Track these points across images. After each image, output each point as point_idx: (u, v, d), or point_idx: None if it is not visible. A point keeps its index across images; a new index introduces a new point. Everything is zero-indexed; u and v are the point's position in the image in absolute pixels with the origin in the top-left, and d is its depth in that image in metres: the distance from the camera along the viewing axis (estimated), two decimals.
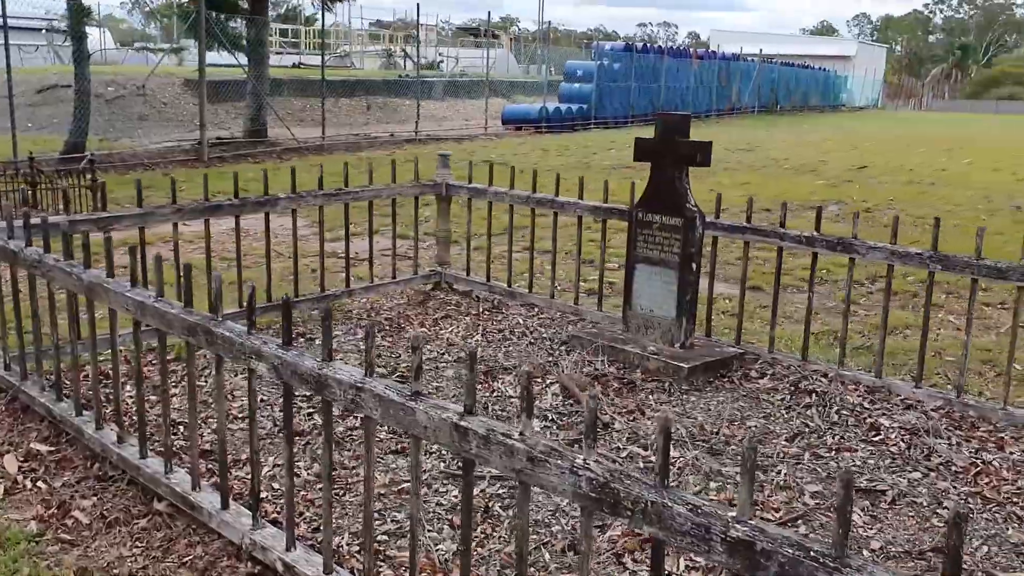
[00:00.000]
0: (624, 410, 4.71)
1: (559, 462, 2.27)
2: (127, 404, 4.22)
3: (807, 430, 4.47)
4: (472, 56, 39.95)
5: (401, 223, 7.02)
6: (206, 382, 4.94)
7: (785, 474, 4.00)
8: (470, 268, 7.10)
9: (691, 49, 34.66)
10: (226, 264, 7.41)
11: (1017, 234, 10.42)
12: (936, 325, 6.75)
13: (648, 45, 35.27)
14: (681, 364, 5.10)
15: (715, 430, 4.44)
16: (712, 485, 3.88)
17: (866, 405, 4.80)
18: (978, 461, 4.15)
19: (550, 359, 5.44)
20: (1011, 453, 4.27)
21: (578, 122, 27.53)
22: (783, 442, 4.34)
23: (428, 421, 2.61)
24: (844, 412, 4.70)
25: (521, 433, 2.41)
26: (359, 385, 2.78)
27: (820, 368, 5.27)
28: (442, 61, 41.73)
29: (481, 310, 6.54)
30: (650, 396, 4.93)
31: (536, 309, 6.55)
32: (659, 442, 2.15)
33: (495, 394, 4.90)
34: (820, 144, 24.16)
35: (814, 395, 4.91)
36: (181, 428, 4.32)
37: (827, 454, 4.22)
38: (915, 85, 79.59)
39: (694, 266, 5.32)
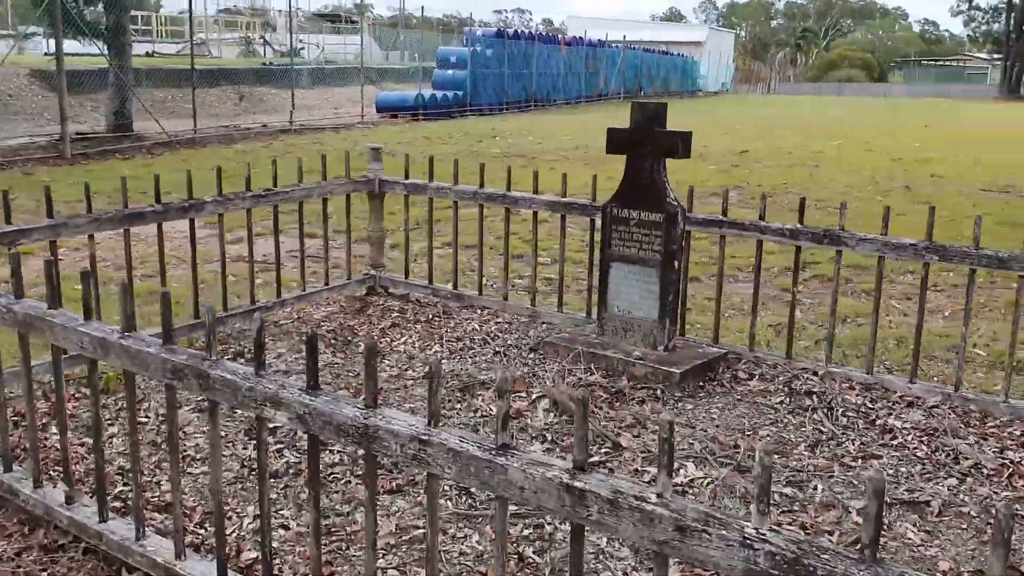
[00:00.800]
0: (623, 424, 4.34)
1: (723, 532, 1.86)
2: (74, 454, 3.56)
3: (823, 437, 4.21)
4: (335, 43, 38.77)
5: (308, 222, 6.43)
6: (148, 418, 4.29)
7: (823, 490, 3.71)
8: (409, 270, 6.58)
9: (560, 35, 34.61)
10: (140, 277, 6.63)
11: (917, 214, 10.65)
12: (882, 312, 6.68)
13: (519, 31, 35.06)
14: (672, 369, 4.77)
15: (731, 442, 4.13)
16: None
17: (869, 405, 4.59)
18: (1007, 462, 3.98)
19: (526, 369, 5.01)
20: None
21: (454, 109, 27.04)
22: (805, 452, 4.06)
23: (526, 481, 2.16)
24: (850, 414, 4.48)
25: (660, 495, 1.99)
26: (423, 438, 2.29)
27: (807, 366, 5.05)
28: (303, 48, 40.36)
29: (430, 316, 6.04)
30: (644, 406, 4.58)
31: (489, 313, 6.10)
32: (871, 508, 1.77)
33: (478, 413, 4.44)
34: (694, 129, 24.45)
35: (813, 396, 4.67)
36: (121, 478, 3.69)
37: (854, 463, 3.96)
38: (763, 69, 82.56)
39: (676, 264, 4.99)
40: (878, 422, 4.38)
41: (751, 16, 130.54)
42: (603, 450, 4.03)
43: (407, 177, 6.41)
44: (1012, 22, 61.77)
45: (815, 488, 3.73)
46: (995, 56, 70.84)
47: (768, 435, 4.22)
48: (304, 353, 4.80)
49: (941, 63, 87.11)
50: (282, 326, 5.80)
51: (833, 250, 4.94)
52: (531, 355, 5.26)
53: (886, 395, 4.73)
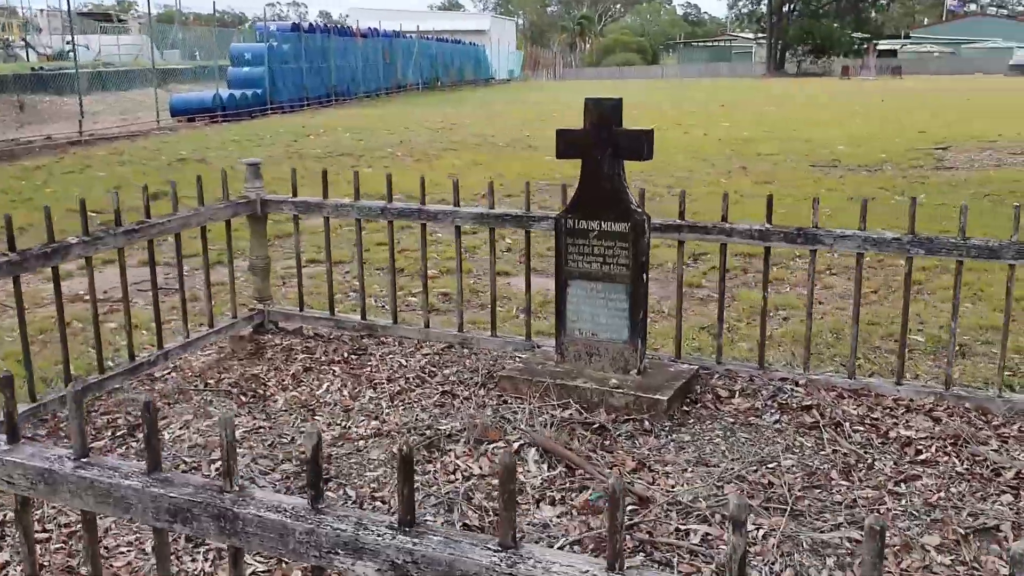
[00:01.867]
0: (627, 469, 3.79)
1: None
2: None
3: (849, 460, 3.82)
4: (110, 44, 35.84)
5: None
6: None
7: (890, 530, 3.31)
8: (303, 301, 5.73)
9: (354, 27, 33.49)
10: None
11: (759, 193, 10.73)
12: (790, 303, 6.48)
13: (314, 24, 33.61)
14: (656, 396, 4.26)
15: (761, 479, 3.66)
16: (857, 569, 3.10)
17: (871, 415, 4.26)
18: None
19: (488, 411, 4.35)
20: None
21: (254, 108, 25.50)
22: (842, 481, 3.65)
23: None
24: (859, 428, 4.13)
25: None
26: None
27: (784, 375, 4.68)
28: (70, 51, 37.03)
29: (344, 354, 5.24)
30: (636, 441, 4.04)
31: (411, 344, 5.38)
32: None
33: (465, 479, 3.75)
34: (510, 117, 24.24)
35: (810, 412, 4.29)
36: None
37: (898, 487, 3.59)
38: (548, 56, 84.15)
39: (645, 278, 4.47)
40: (891, 434, 4.05)
41: (527, 4, 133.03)
42: (630, 508, 3.46)
43: (295, 194, 5.55)
44: (772, 3, 65.83)
45: None
46: (759, 36, 75.40)
47: (793, 465, 3.79)
48: (219, 426, 3.95)
49: (710, 44, 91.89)
50: (173, 383, 4.84)
51: (807, 249, 4.58)
52: (486, 392, 4.60)
53: (878, 401, 4.42)
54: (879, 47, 62.40)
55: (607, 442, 4.05)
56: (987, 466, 3.73)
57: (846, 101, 29.27)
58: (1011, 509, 3.42)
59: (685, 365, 4.69)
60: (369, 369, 5.01)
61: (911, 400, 4.40)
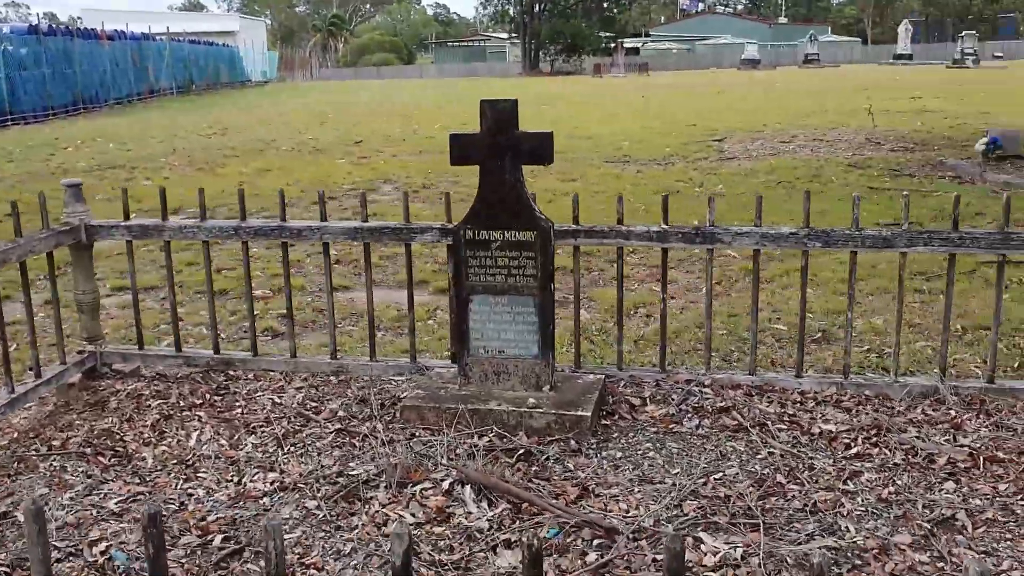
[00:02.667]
0: (571, 498, 3.52)
1: None
2: None
3: (786, 462, 3.75)
4: None
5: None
6: None
7: (861, 532, 3.24)
8: (143, 337, 5.02)
9: (99, 29, 30.97)
10: None
11: (568, 191, 10.81)
12: (645, 300, 6.49)
13: (53, 26, 30.74)
14: (579, 412, 4.02)
15: (714, 493, 3.50)
16: None
17: (787, 412, 4.23)
18: (967, 448, 3.81)
19: (398, 447, 3.93)
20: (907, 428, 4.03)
21: None
22: (792, 486, 3.56)
23: None
24: (781, 427, 4.08)
25: None
26: None
27: (688, 377, 4.57)
28: None
29: (204, 396, 4.61)
30: (567, 464, 3.78)
31: (279, 377, 4.83)
32: None
33: (387, 528, 3.33)
34: (285, 120, 23.25)
35: (729, 414, 4.20)
36: None
37: (847, 485, 3.54)
38: (303, 56, 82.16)
39: (552, 288, 4.21)
40: (814, 430, 4.03)
41: (274, 4, 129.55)
42: (596, 542, 3.19)
43: (128, 217, 4.84)
44: (523, 4, 67.58)
45: (850, 531, 3.23)
46: (513, 36, 77.21)
47: (738, 473, 3.66)
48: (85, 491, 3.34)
49: (465, 44, 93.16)
50: (6, 451, 4.05)
51: (702, 248, 4.49)
52: (386, 426, 4.17)
53: (785, 396, 4.40)
54: (625, 45, 65.62)
55: (536, 468, 3.76)
56: (917, 454, 3.77)
57: (610, 98, 30.41)
58: (958, 497, 3.45)
59: (591, 375, 4.47)
60: (239, 411, 4.43)
61: (816, 392, 4.41)
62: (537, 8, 67.24)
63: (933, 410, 4.20)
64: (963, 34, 49.83)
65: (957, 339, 5.45)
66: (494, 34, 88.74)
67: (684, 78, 46.86)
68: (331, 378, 4.79)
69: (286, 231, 4.69)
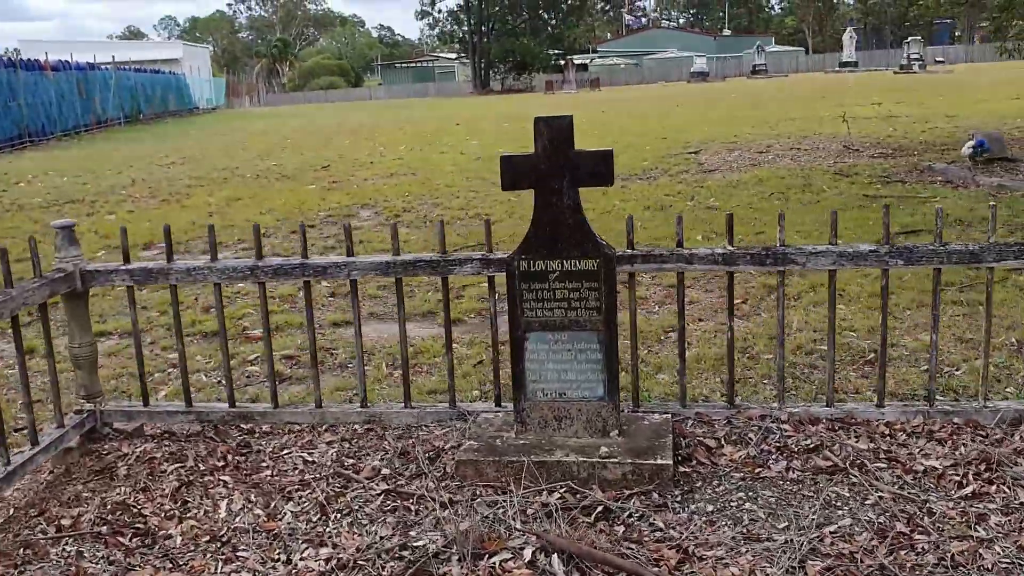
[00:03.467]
0: (671, 563, 3.10)
1: None
2: None
3: (904, 507, 3.36)
4: None
5: None
6: None
7: None
8: (148, 392, 4.51)
9: (43, 60, 30.03)
10: None
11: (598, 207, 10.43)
12: (671, 323, 6.11)
13: None
14: (658, 460, 3.61)
15: (837, 549, 3.10)
16: None
17: (880, 447, 3.85)
18: None
19: (461, 509, 3.49)
20: None
21: None
22: (918, 536, 3.17)
23: None
24: (880, 466, 3.70)
25: None
26: None
27: (759, 412, 4.18)
28: None
29: (226, 457, 4.12)
30: (654, 521, 3.36)
31: (305, 431, 4.35)
32: None
33: None
34: (244, 147, 22.61)
35: (817, 454, 3.81)
36: None
37: (977, 531, 3.17)
38: (251, 82, 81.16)
39: (616, 322, 3.80)
40: (916, 468, 3.66)
41: (216, 30, 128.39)
42: None
43: (128, 260, 4.34)
44: (473, 24, 67.49)
45: None
46: (461, 55, 77.05)
47: (852, 524, 3.27)
48: None
49: (413, 64, 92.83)
50: (8, 535, 3.52)
51: (773, 270, 4.11)
52: (438, 484, 3.72)
53: (871, 428, 4.03)
54: (575, 62, 65.73)
55: (622, 528, 3.34)
56: None
57: (573, 113, 30.15)
58: None
59: (655, 415, 4.06)
60: (268, 472, 3.95)
61: (902, 423, 4.05)
62: (485, 28, 67.19)
63: None
64: (908, 40, 50.64)
65: (1016, 353, 5.14)
66: (442, 54, 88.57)
67: (636, 92, 46.93)
68: (362, 428, 4.32)
69: (309, 269, 4.22)
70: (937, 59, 59.32)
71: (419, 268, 4.18)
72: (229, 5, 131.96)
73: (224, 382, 5.30)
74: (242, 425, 4.43)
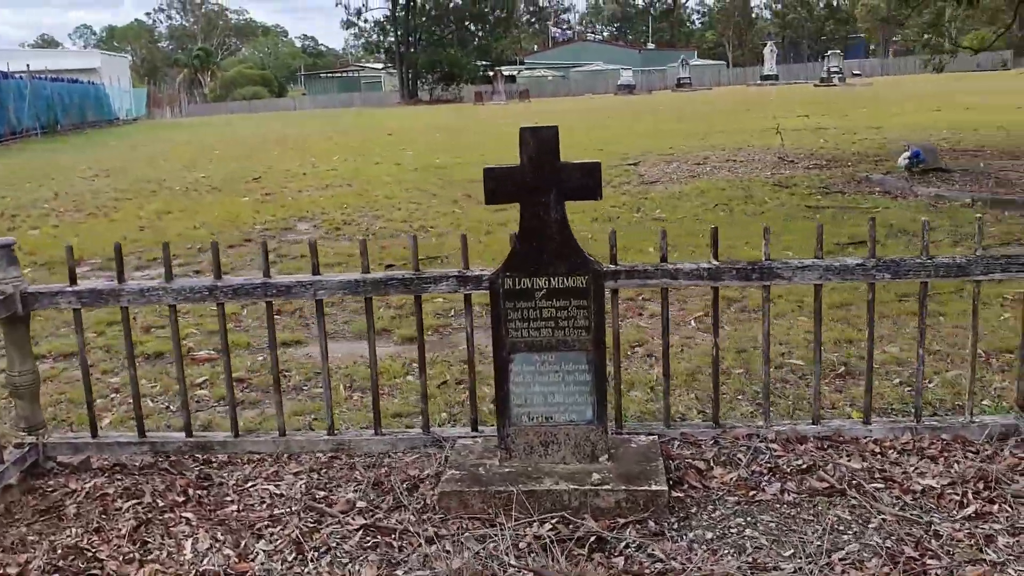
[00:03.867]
0: None
1: None
2: None
3: (909, 530, 3.26)
4: None
5: None
6: None
7: None
8: (96, 421, 4.19)
9: None
10: None
11: (505, 221, 10.25)
12: (637, 338, 5.99)
13: None
14: (652, 486, 3.45)
15: None
16: None
17: (874, 466, 3.76)
18: None
19: (448, 543, 3.27)
20: None
21: None
22: (930, 562, 3.07)
23: None
24: (877, 486, 3.60)
25: None
26: None
27: (746, 431, 4.07)
28: None
29: (186, 491, 3.83)
30: (654, 551, 3.20)
31: (269, 461, 4.08)
32: None
33: None
34: (168, 158, 21.95)
35: (811, 475, 3.70)
36: None
37: (990, 554, 3.08)
38: (172, 92, 79.36)
39: (605, 341, 3.64)
40: (914, 487, 3.57)
41: (135, 40, 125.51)
42: None
43: (74, 281, 4.03)
44: (400, 34, 67.10)
45: None
46: (388, 65, 76.56)
47: (861, 550, 3.15)
48: None
49: (339, 74, 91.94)
50: None
51: (759, 285, 4.00)
52: (419, 517, 3.50)
53: (860, 446, 3.94)
54: (503, 73, 65.83)
55: (618, 559, 3.17)
56: None
57: (503, 125, 30.09)
58: None
59: (641, 436, 3.91)
60: (234, 508, 3.68)
61: (891, 440, 3.97)
62: (412, 38, 66.88)
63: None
64: (828, 53, 51.94)
65: (985, 364, 5.13)
66: (368, 64, 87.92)
67: (566, 104, 47.14)
68: (327, 457, 4.07)
69: (272, 288, 3.97)
70: (854, 72, 60.95)
71: (391, 287, 3.96)
72: (148, 14, 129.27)
73: (174, 408, 5.02)
74: (199, 456, 4.14)
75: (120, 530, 3.51)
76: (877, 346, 5.59)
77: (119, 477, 3.99)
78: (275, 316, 6.96)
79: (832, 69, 48.94)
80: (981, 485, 3.52)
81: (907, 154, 12.18)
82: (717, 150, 17.33)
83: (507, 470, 3.60)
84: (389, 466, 3.97)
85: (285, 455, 4.09)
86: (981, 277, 3.86)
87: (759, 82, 58.88)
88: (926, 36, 16.32)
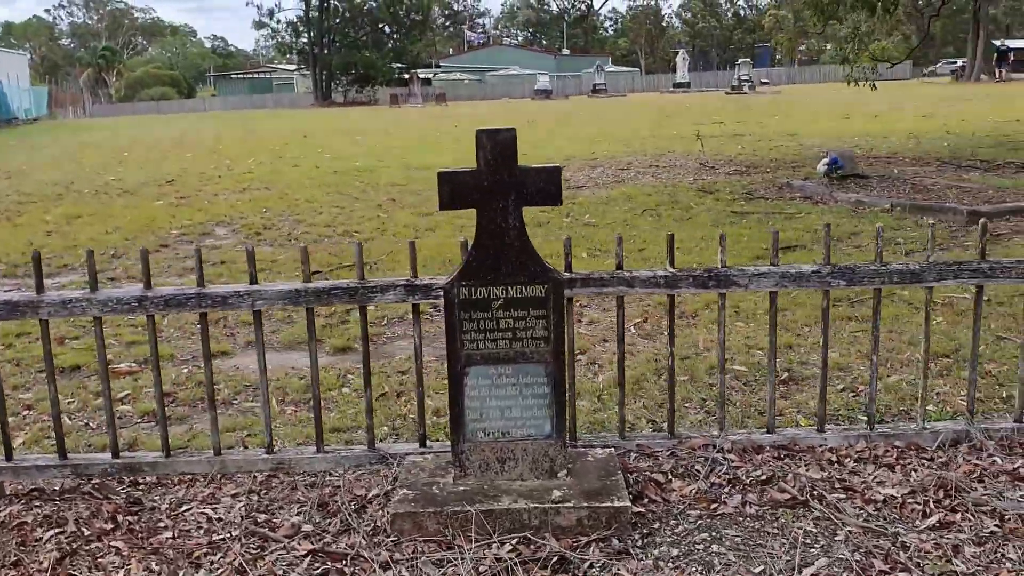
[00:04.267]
0: None
1: None
2: None
3: (876, 542, 3.21)
4: None
5: None
6: None
7: None
8: (9, 446, 3.88)
9: None
10: None
11: (428, 226, 10.10)
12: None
13: None
14: (614, 502, 3.33)
15: None
16: None
17: (833, 476, 3.71)
18: None
19: (405, 571, 3.09)
20: None
21: None
22: (899, 575, 3.02)
23: None
24: (839, 496, 3.55)
25: None
26: None
27: (702, 441, 3.98)
28: None
29: (116, 516, 3.56)
30: (618, 571, 3.09)
31: (203, 482, 3.83)
32: None
33: None
34: (72, 160, 21.10)
35: (771, 486, 3.63)
36: None
37: (960, 566, 3.04)
38: (75, 92, 76.65)
39: (565, 352, 3.51)
40: (875, 497, 3.52)
41: (34, 37, 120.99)
42: None
43: None
44: (313, 35, 66.12)
45: None
46: (301, 67, 75.42)
47: (831, 564, 3.08)
48: None
49: (250, 76, 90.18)
50: None
51: (716, 293, 3.92)
52: (370, 540, 3.30)
53: (816, 455, 3.90)
54: (419, 76, 65.46)
55: None
56: (1006, 517, 3.33)
57: (421, 128, 29.85)
58: None
59: (598, 449, 3.78)
60: (169, 534, 3.43)
61: (846, 448, 3.93)
62: (326, 39, 65.99)
63: (977, 459, 3.81)
64: (739, 62, 53.03)
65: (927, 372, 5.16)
66: (280, 65, 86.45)
67: (484, 108, 47.07)
68: (264, 476, 3.84)
69: (207, 299, 3.72)
70: (763, 80, 62.40)
71: (334, 296, 3.75)
72: (48, 11, 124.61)
73: (94, 425, 4.73)
74: (127, 478, 3.87)
75: (41, 563, 3.23)
76: (816, 351, 5.62)
77: (38, 504, 3.69)
78: (197, 325, 6.68)
79: (742, 77, 49.99)
80: (941, 494, 3.50)
81: (826, 160, 12.40)
82: (639, 155, 17.44)
83: (462, 489, 3.44)
84: (333, 485, 3.77)
85: (222, 476, 3.85)
86: (933, 283, 3.85)
87: (672, 89, 59.78)
88: (844, 48, 16.70)
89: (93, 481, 3.83)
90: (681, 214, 10.83)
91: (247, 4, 77.38)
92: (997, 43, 52.89)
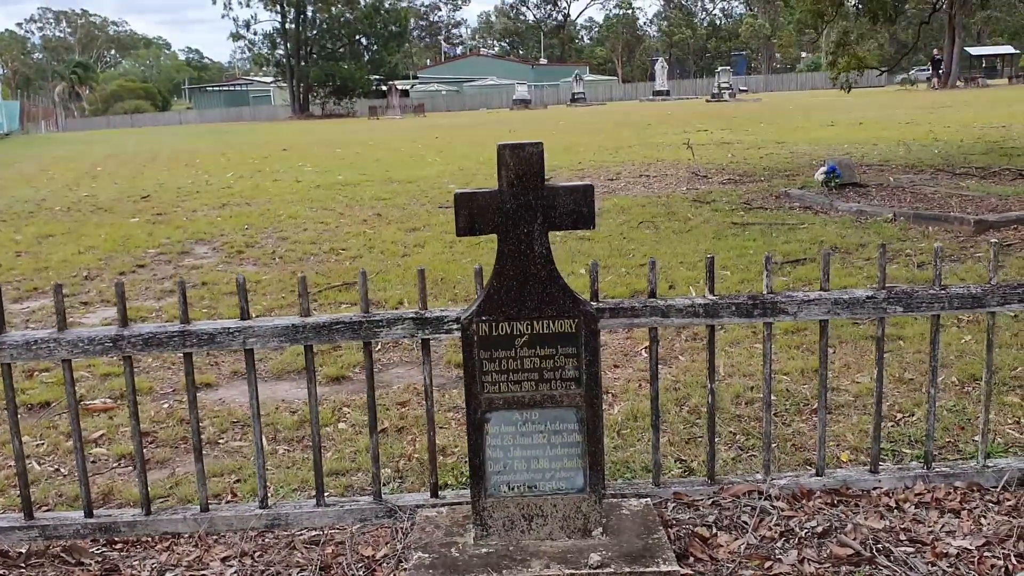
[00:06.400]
0: None
1: None
2: None
3: None
4: None
5: None
6: None
7: None
8: None
9: None
10: None
11: (417, 241, 9.70)
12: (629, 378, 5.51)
13: None
14: (660, 566, 2.93)
15: None
16: None
17: (895, 525, 3.33)
18: None
19: None
20: None
21: None
22: None
23: None
24: (907, 550, 3.17)
25: None
26: None
27: (746, 488, 3.59)
28: None
29: None
30: None
31: (189, 543, 3.40)
32: None
33: None
34: (45, 176, 20.53)
35: (830, 538, 3.25)
36: None
37: None
38: (47, 107, 75.67)
39: (601, 395, 3.11)
40: (948, 551, 3.14)
41: (5, 51, 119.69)
42: None
43: None
44: (290, 47, 65.60)
45: None
46: (278, 79, 74.83)
47: None
48: None
49: (226, 88, 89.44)
50: None
51: (762, 322, 3.53)
52: None
53: (872, 500, 3.52)
54: (398, 87, 65.07)
55: None
56: None
57: (403, 140, 29.43)
58: None
59: (633, 500, 3.39)
60: None
61: (904, 490, 3.56)
62: (303, 51, 65.48)
63: None
64: (719, 70, 53.00)
65: (966, 397, 4.82)
66: (257, 77, 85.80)
67: (463, 119, 46.74)
68: (261, 534, 3.42)
69: (192, 338, 3.30)
70: (741, 88, 62.45)
71: (336, 332, 3.34)
72: (20, 24, 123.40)
73: (64, 471, 4.29)
74: (101, 538, 3.43)
75: None
76: (844, 375, 5.26)
77: (1, 571, 3.25)
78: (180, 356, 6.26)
79: (723, 85, 49.96)
80: (1022, 545, 3.12)
81: (824, 169, 12.10)
82: (627, 165, 17.11)
83: (485, 551, 3.03)
84: (336, 543, 3.35)
85: (209, 536, 3.42)
86: (996, 308, 3.49)
87: (651, 97, 59.69)
88: (834, 54, 16.53)
89: (64, 543, 3.39)
90: (680, 226, 10.47)
91: (223, 16, 76.55)
92: (935, 51, 53.36)
